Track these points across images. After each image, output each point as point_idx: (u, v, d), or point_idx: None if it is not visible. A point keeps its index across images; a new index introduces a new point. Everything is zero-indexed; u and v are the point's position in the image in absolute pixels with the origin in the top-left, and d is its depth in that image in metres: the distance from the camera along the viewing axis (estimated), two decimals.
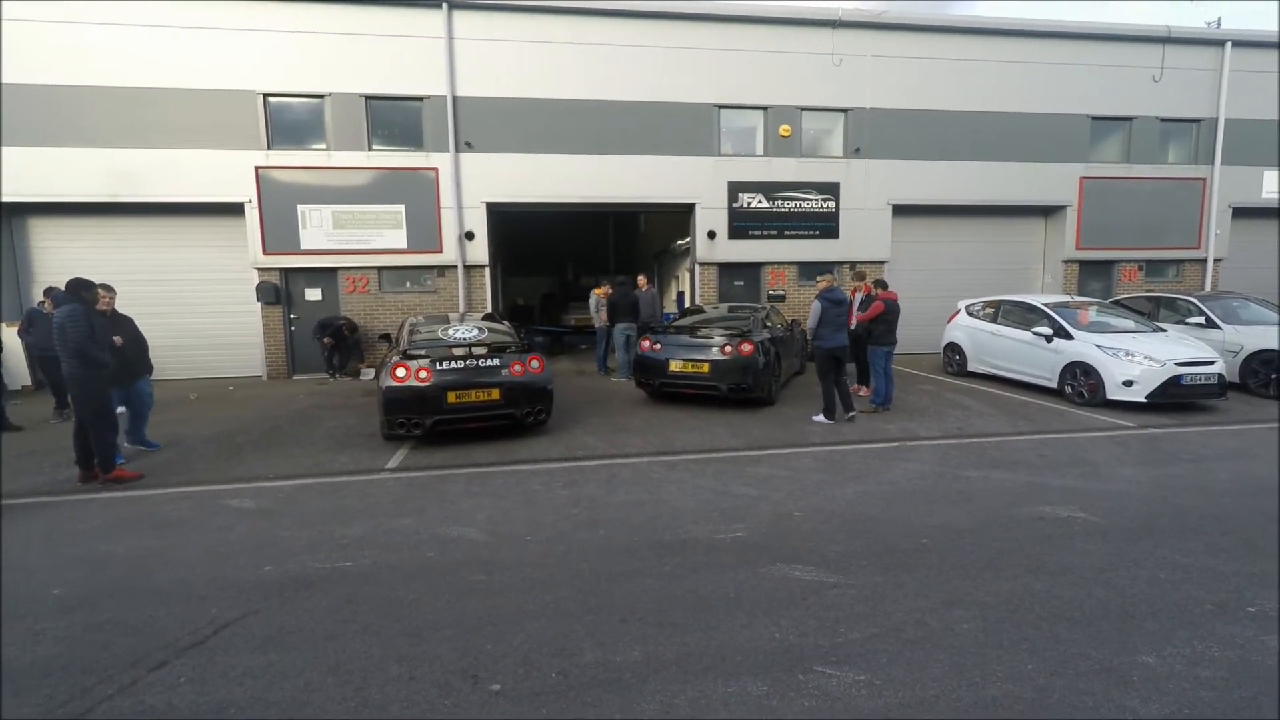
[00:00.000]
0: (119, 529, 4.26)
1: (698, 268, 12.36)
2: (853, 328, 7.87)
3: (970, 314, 10.03)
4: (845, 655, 2.65)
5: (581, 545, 3.84)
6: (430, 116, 11.08)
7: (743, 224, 12.23)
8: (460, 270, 11.46)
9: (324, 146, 10.93)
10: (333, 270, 11.21)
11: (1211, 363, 7.35)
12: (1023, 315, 9.00)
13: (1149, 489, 4.78)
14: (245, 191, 10.64)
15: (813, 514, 4.32)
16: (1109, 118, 13.17)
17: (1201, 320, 8.98)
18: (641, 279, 10.79)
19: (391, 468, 5.56)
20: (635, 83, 11.55)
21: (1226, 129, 13.31)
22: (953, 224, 13.32)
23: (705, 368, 7.52)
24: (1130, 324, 8.41)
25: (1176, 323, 9.16)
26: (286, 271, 11.08)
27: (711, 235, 12.14)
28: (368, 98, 10.90)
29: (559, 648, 2.73)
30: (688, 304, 12.76)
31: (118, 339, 5.77)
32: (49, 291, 8.22)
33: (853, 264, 12.15)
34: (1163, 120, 13.32)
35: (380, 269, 11.36)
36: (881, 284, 8.06)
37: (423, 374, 5.95)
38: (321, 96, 10.82)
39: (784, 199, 12.29)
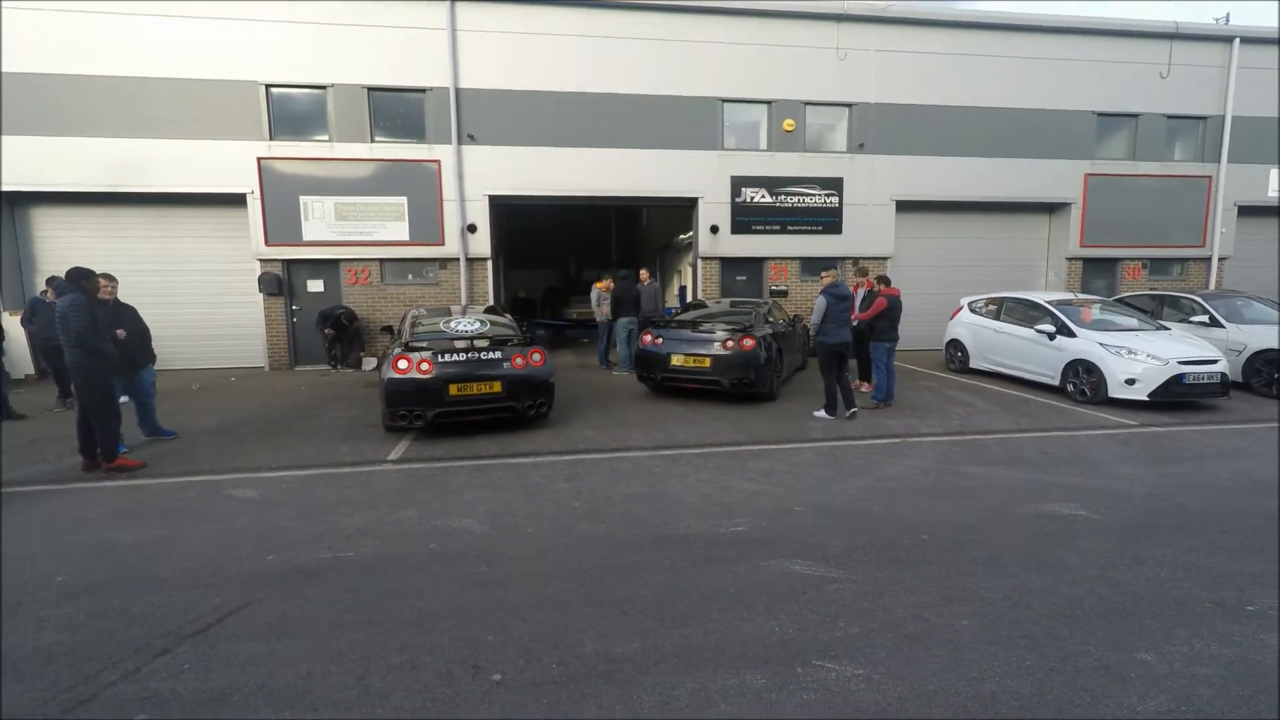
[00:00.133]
0: (122, 517, 4.28)
1: (700, 262, 12.34)
2: (854, 324, 7.85)
3: (973, 311, 10.01)
4: (844, 649, 2.66)
5: (583, 538, 3.86)
6: (433, 108, 11.05)
7: (745, 219, 12.20)
8: (462, 263, 11.46)
9: (326, 138, 10.90)
10: (335, 262, 11.21)
11: (1214, 361, 7.33)
12: (1025, 312, 8.99)
13: (1150, 487, 4.78)
14: (247, 182, 10.62)
15: (813, 509, 4.33)
16: (1115, 114, 13.10)
17: (1205, 319, 8.96)
18: (644, 273, 10.78)
19: (394, 459, 5.58)
20: (639, 76, 11.50)
21: (1233, 126, 13.24)
22: (956, 220, 13.28)
23: (707, 362, 7.52)
24: (1133, 322, 8.39)
25: (1180, 321, 9.14)
26: (289, 263, 11.08)
27: (714, 230, 12.11)
28: (370, 89, 10.87)
29: (559, 639, 2.75)
30: (690, 299, 12.75)
31: (121, 332, 5.78)
32: (51, 281, 8.22)
33: (855, 260, 12.13)
34: (1169, 117, 13.24)
35: (382, 261, 11.36)
36: (884, 280, 8.04)
37: (425, 366, 5.96)
38: (324, 88, 10.79)
39: (787, 194, 12.25)
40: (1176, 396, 7.25)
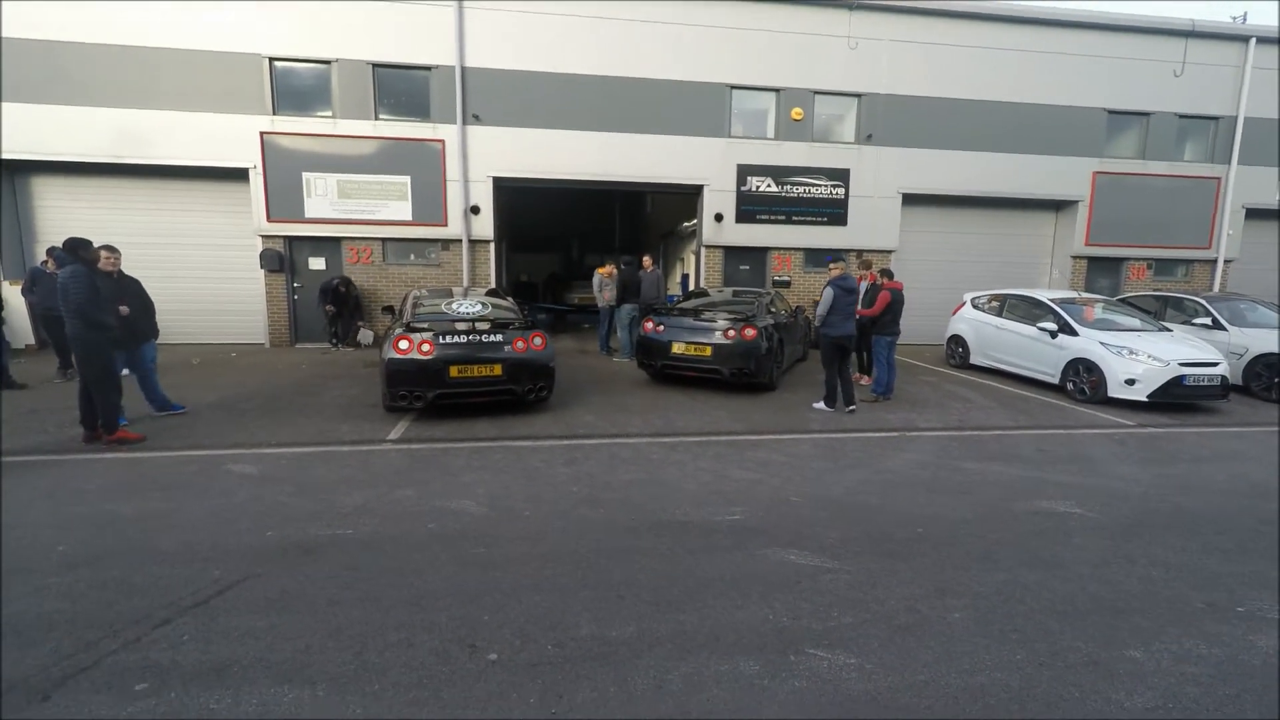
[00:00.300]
0: (123, 490, 4.31)
1: (704, 250, 12.29)
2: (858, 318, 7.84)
3: (975, 307, 9.99)
4: (837, 639, 2.69)
5: (580, 522, 3.88)
6: (438, 87, 10.93)
7: (750, 208, 12.13)
8: (465, 244, 11.40)
9: (330, 114, 10.80)
10: (337, 240, 11.15)
11: (1215, 364, 7.33)
12: (1028, 310, 8.97)
13: (1146, 487, 4.80)
14: (250, 157, 10.54)
15: (810, 500, 4.35)
16: (1126, 112, 12.98)
17: (1208, 321, 8.94)
18: (647, 260, 10.74)
19: (393, 439, 5.59)
20: (647, 60, 11.37)
21: (1245, 128, 13.11)
22: (962, 215, 13.21)
23: (708, 351, 7.52)
24: (1136, 323, 8.37)
25: (1183, 323, 9.13)
26: (290, 239, 11.03)
27: (719, 218, 12.05)
28: (375, 65, 10.75)
29: (555, 621, 2.77)
30: (692, 287, 12.71)
31: (124, 308, 5.74)
32: (51, 251, 8.20)
33: (859, 252, 12.09)
34: (1181, 116, 13.12)
35: (384, 240, 11.30)
36: (887, 273, 8.01)
37: (425, 347, 5.96)
38: (328, 62, 10.66)
39: (793, 184, 12.17)
40: (1176, 398, 7.26)
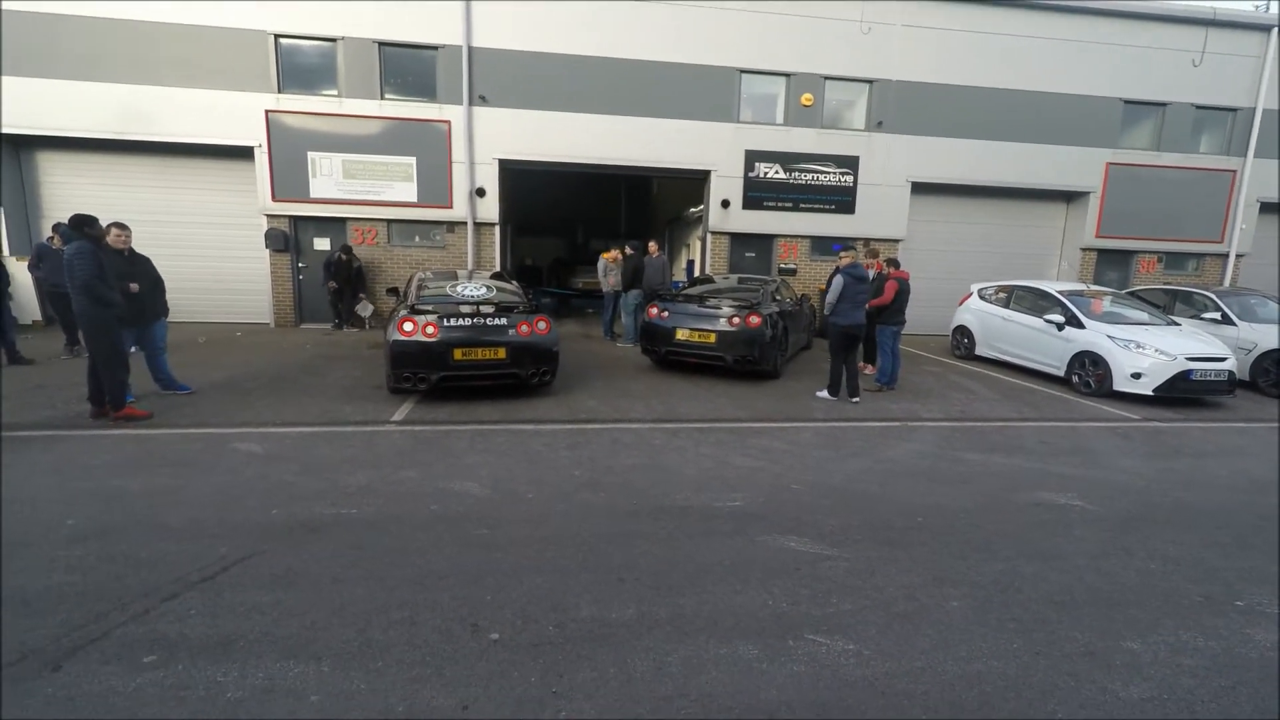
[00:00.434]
0: (130, 466, 4.35)
1: (709, 236, 12.22)
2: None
3: (982, 298, 9.93)
4: (836, 625, 2.72)
5: (582, 506, 3.91)
6: (445, 67, 10.82)
7: (758, 194, 12.03)
8: (470, 227, 11.36)
9: (335, 93, 10.72)
10: (342, 220, 11.13)
11: (1223, 359, 7.29)
12: (1035, 301, 8.91)
13: (1148, 481, 4.80)
14: (255, 135, 10.49)
15: (811, 487, 4.36)
16: (1143, 102, 12.77)
17: (1217, 316, 8.87)
18: (653, 245, 10.68)
19: (397, 420, 5.62)
20: (657, 42, 11.21)
21: (1262, 120, 12.89)
22: (972, 205, 13.07)
23: (712, 338, 7.51)
24: (1144, 316, 8.31)
25: (1191, 317, 9.05)
26: (295, 219, 11.01)
27: (725, 204, 11.96)
28: (381, 44, 10.64)
29: (557, 602, 2.80)
30: (697, 273, 12.66)
31: (134, 286, 5.74)
32: (57, 227, 8.22)
33: (867, 241, 11.99)
34: (1198, 107, 12.90)
35: (390, 222, 11.28)
36: (893, 262, 7.97)
37: (430, 329, 5.96)
38: (334, 40, 10.56)
39: (801, 170, 12.05)
40: (1182, 392, 7.23)
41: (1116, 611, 2.92)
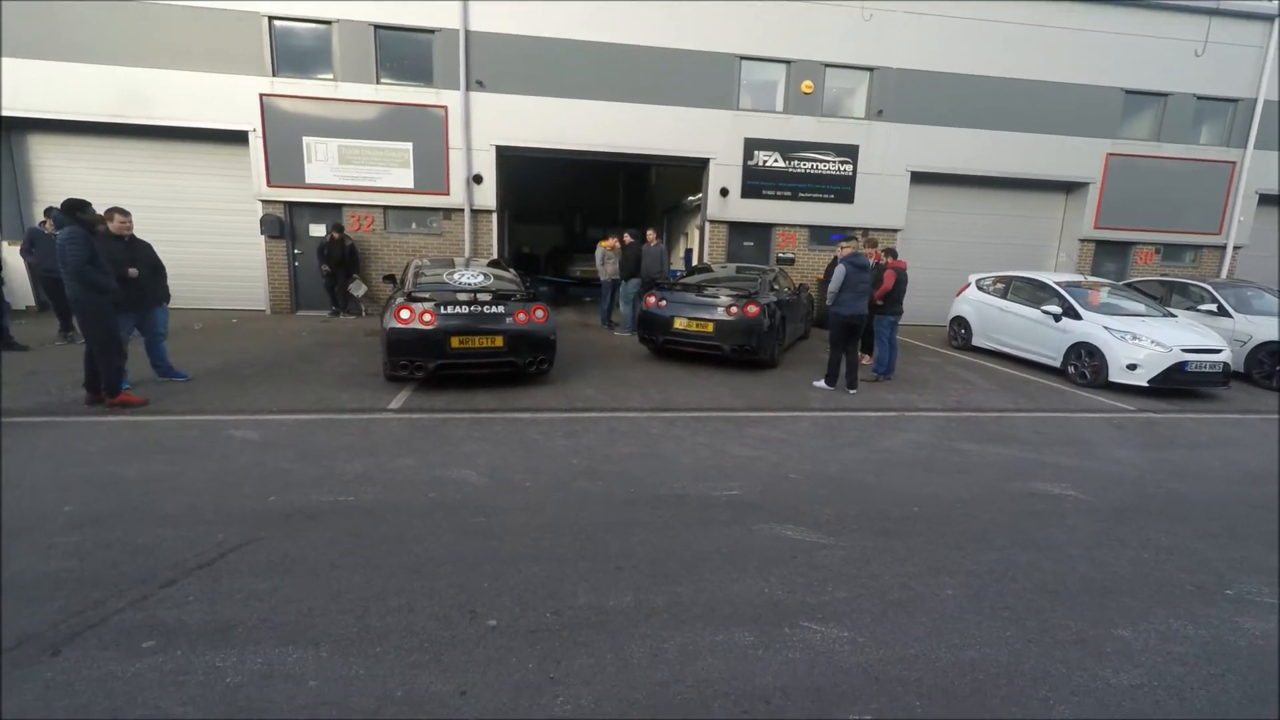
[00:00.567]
0: (126, 452, 4.34)
1: (708, 225, 12.17)
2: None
3: (980, 288, 9.93)
4: (831, 612, 2.74)
5: (579, 494, 3.92)
6: (441, 50, 10.69)
7: (756, 183, 11.97)
8: (467, 214, 11.29)
9: (331, 77, 10.59)
10: (337, 206, 11.04)
11: (1218, 351, 7.32)
12: (1033, 292, 8.91)
13: (1142, 472, 4.83)
14: (250, 119, 10.37)
15: (808, 477, 4.38)
16: (1144, 92, 12.71)
17: (1213, 308, 8.90)
18: (651, 234, 10.63)
19: (394, 408, 5.62)
20: (656, 27, 11.09)
21: (1263, 111, 12.85)
22: (971, 195, 13.04)
23: (709, 327, 7.50)
24: (1140, 308, 8.33)
25: (1188, 309, 9.08)
26: (291, 205, 10.91)
27: (724, 193, 11.90)
28: (377, 27, 10.49)
29: (554, 590, 2.82)
30: (695, 262, 12.62)
31: (133, 270, 5.67)
32: (49, 212, 8.13)
33: (865, 230, 11.95)
34: (1200, 98, 12.84)
35: (386, 208, 11.19)
36: (891, 252, 7.95)
37: (427, 317, 5.94)
38: (329, 23, 10.41)
39: (801, 159, 11.98)
40: (1177, 384, 7.26)
41: (1109, 600, 2.95)
